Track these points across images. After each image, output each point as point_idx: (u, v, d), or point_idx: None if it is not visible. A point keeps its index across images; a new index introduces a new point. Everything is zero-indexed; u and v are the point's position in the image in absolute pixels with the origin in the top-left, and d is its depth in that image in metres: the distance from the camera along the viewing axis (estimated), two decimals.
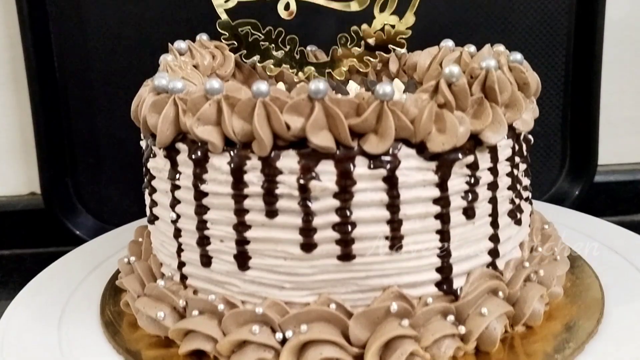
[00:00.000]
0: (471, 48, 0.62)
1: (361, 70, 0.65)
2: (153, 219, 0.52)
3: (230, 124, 0.44)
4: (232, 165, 0.45)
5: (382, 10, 0.64)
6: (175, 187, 0.48)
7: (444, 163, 0.44)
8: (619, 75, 1.05)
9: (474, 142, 0.46)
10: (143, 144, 0.55)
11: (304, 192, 0.44)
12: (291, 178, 0.44)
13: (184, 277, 0.50)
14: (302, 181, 0.43)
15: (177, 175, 0.48)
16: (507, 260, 0.50)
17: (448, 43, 0.64)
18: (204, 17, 0.94)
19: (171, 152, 0.48)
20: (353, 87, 0.61)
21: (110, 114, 0.97)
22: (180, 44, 0.60)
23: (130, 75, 0.96)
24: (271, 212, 0.44)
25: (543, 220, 0.59)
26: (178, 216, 0.49)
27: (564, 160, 1.04)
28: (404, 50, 0.65)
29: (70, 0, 0.93)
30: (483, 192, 0.47)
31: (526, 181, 0.52)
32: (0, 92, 1.02)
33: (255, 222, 0.45)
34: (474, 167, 0.46)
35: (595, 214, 1.09)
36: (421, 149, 0.44)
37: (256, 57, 0.62)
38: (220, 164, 0.45)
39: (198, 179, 0.46)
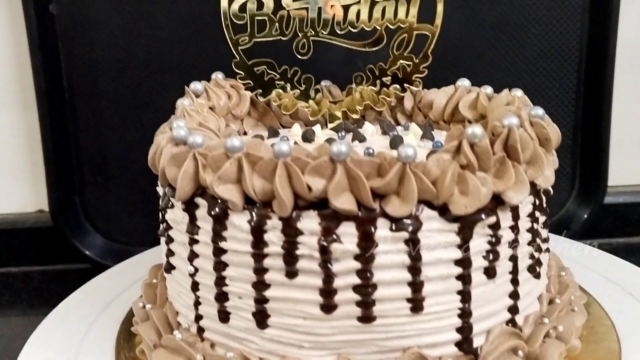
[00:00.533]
0: (488, 89, 0.62)
1: (376, 108, 0.64)
2: (169, 268, 0.52)
3: (251, 182, 0.44)
4: (252, 224, 0.44)
5: (398, 49, 0.64)
6: (193, 241, 0.48)
7: (466, 225, 0.44)
8: (629, 97, 1.05)
9: (496, 201, 0.46)
10: (160, 190, 0.54)
11: (325, 254, 0.43)
12: (312, 239, 0.43)
13: (201, 330, 0.50)
14: (323, 243, 0.43)
15: (196, 230, 0.47)
16: (526, 314, 0.50)
17: (464, 82, 0.64)
18: (212, 38, 0.94)
19: (190, 207, 0.48)
20: (369, 129, 0.60)
21: (118, 134, 0.97)
22: (197, 86, 0.60)
23: (140, 96, 0.96)
24: (291, 273, 0.44)
25: (559, 266, 0.59)
26: (196, 270, 0.48)
27: (573, 182, 1.04)
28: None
29: (80, 21, 0.93)
30: (504, 251, 0.46)
31: (545, 233, 0.52)
32: (9, 112, 1.02)
33: (274, 281, 0.45)
34: (495, 226, 0.45)
35: (603, 235, 1.09)
36: (443, 210, 0.44)
37: (273, 94, 0.62)
38: (240, 222, 0.45)
39: (217, 235, 0.46)
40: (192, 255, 0.48)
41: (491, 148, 0.46)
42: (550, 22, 0.98)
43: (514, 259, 0.47)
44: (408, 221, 0.43)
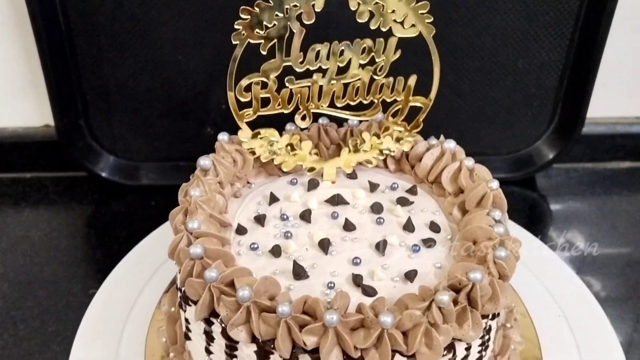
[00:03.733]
0: (469, 162, 0.68)
1: (369, 165, 0.71)
2: (188, 337, 0.64)
3: (258, 326, 0.55)
4: (258, 355, 0.56)
5: (393, 116, 0.68)
6: (209, 344, 0.59)
7: None
8: (621, 42, 1.08)
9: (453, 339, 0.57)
10: (177, 275, 0.63)
11: None
12: None
13: None
14: None
15: (211, 338, 0.59)
16: None
17: (450, 145, 0.70)
18: None
19: (206, 321, 0.58)
20: (360, 200, 0.68)
21: (118, 66, 1.02)
22: (205, 161, 0.65)
23: (137, 31, 0.99)
24: None
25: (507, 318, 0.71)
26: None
27: (553, 118, 1.12)
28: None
29: None
30: None
31: (493, 332, 0.63)
32: (9, 43, 1.03)
33: None
34: (452, 356, 0.57)
35: (571, 161, 1.20)
36: (411, 357, 0.55)
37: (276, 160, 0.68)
38: (248, 351, 0.56)
39: (230, 355, 0.57)
40: (209, 352, 0.60)
41: (456, 295, 0.56)
42: None
43: None
44: None
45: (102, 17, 0.97)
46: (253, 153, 0.67)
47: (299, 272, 0.59)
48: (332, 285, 0.58)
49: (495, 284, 0.57)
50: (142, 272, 0.82)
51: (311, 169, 0.70)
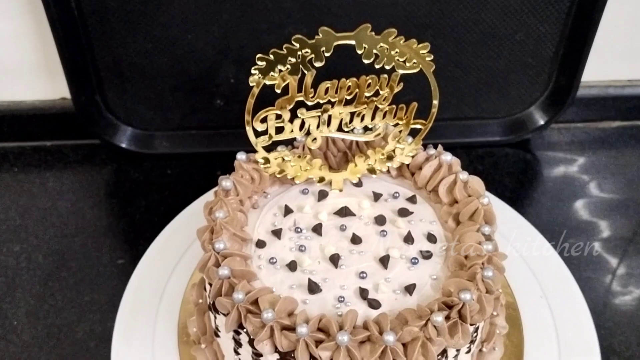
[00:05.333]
0: (464, 175, 0.76)
1: (373, 175, 0.78)
2: (217, 335, 0.74)
3: (280, 341, 0.64)
4: None
5: (393, 138, 0.75)
6: (237, 348, 0.69)
7: None
8: (615, 8, 1.12)
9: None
10: (207, 287, 0.72)
11: None
12: None
13: None
14: None
15: (239, 345, 0.69)
16: None
17: (447, 157, 0.77)
18: None
19: (234, 330, 0.68)
20: (365, 210, 0.76)
21: (130, 46, 1.07)
22: (227, 183, 0.73)
23: (147, 12, 1.03)
24: None
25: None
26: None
27: (546, 87, 1.18)
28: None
29: None
30: None
31: (479, 330, 0.73)
32: (25, 31, 1.07)
33: None
34: (445, 359, 0.67)
35: (565, 121, 1.28)
36: None
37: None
38: (272, 358, 0.66)
39: (256, 357, 0.67)
40: (236, 351, 0.70)
41: (449, 311, 0.65)
42: None
43: None
44: None
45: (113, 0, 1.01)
46: (267, 164, 0.74)
47: (313, 288, 0.68)
48: (342, 299, 0.68)
49: (482, 299, 0.67)
50: (177, 248, 0.91)
51: (321, 179, 0.77)
